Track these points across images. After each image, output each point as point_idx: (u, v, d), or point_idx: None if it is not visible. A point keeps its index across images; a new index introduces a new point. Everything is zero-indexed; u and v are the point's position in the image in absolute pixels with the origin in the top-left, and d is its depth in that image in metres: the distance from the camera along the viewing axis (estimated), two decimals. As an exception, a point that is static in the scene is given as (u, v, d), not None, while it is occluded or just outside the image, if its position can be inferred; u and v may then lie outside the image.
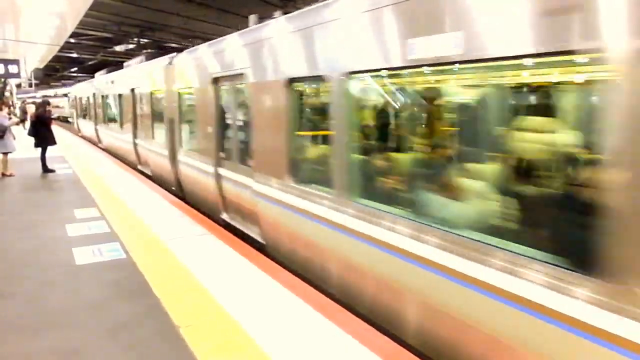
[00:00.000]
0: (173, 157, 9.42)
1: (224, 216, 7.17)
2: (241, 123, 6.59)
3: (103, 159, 14.52)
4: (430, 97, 4.85)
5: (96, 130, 19.26)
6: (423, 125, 4.88)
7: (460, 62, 3.25)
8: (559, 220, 3.18)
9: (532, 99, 4.42)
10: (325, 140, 4.96)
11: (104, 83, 17.53)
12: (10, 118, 12.41)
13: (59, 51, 25.08)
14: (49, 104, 13.38)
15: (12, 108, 25.51)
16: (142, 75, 12.02)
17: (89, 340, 3.65)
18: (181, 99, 8.99)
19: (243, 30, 6.48)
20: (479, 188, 3.81)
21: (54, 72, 42.84)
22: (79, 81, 34.18)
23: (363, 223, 4.13)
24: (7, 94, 31.69)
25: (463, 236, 3.24)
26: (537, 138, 3.72)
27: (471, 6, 3.09)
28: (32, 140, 12.13)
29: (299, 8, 5.48)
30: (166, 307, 4.17)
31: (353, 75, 4.22)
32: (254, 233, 6.22)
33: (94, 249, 5.83)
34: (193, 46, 9.12)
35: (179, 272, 5.01)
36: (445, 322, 3.38)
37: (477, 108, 4.58)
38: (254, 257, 5.44)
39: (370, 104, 5.32)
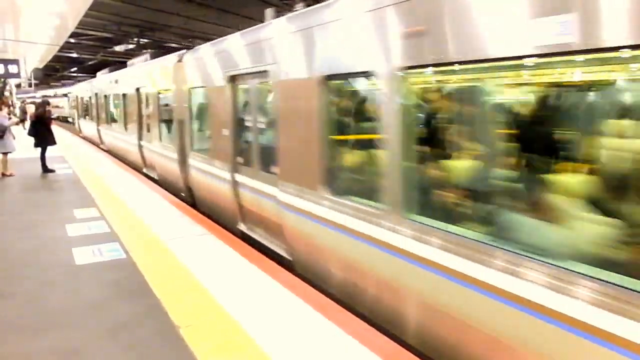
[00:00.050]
0: (183, 161, 8.82)
1: (241, 227, 6.63)
2: (263, 126, 6.00)
3: (103, 159, 14.51)
4: (512, 95, 4.17)
5: (98, 131, 18.78)
6: (501, 129, 3.83)
7: (573, 53, 2.59)
8: None
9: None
10: (370, 145, 4.40)
11: (106, 82, 16.96)
12: (10, 118, 12.41)
13: (59, 51, 25.06)
14: (48, 104, 13.40)
15: (11, 108, 25.50)
16: (148, 74, 11.44)
17: (89, 340, 3.65)
18: (192, 98, 8.42)
19: (265, 23, 5.87)
20: (578, 207, 3.14)
21: (54, 72, 42.85)
22: (79, 81, 34.18)
23: (426, 247, 3.45)
24: (6, 93, 31.68)
25: (576, 272, 2.58)
26: None
27: None
28: (31, 140, 12.13)
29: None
30: (166, 307, 4.17)
31: (411, 70, 3.60)
32: (277, 247, 5.64)
33: (93, 249, 5.83)
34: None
35: (179, 272, 5.01)
36: None
37: (577, 108, 3.88)
38: (254, 257, 5.44)
39: (435, 103, 4.47)
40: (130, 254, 5.62)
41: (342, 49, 4.31)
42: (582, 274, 2.55)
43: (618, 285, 2.39)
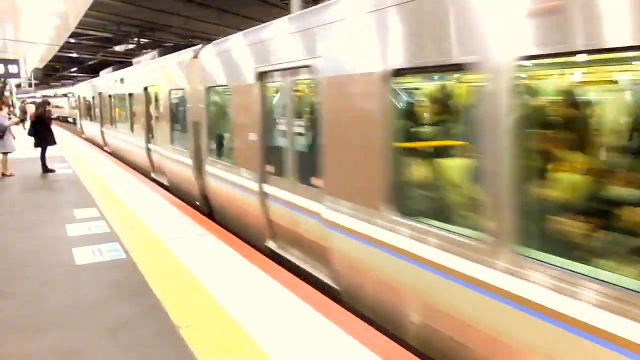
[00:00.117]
0: (198, 168, 7.98)
1: (271, 244, 5.86)
2: (302, 130, 5.17)
3: (103, 159, 14.51)
4: None
5: (102, 132, 18.07)
6: None
7: None
8: None
9: None
10: (453, 155, 3.77)
11: (111, 81, 16.00)
12: (10, 118, 12.41)
13: (59, 51, 25.11)
14: (48, 104, 13.39)
15: (11, 108, 25.51)
16: (157, 72, 10.56)
17: (89, 340, 3.65)
18: (210, 98, 7.58)
19: (305, 11, 5.17)
20: None
21: (54, 72, 42.87)
22: (79, 81, 34.14)
23: (565, 299, 2.57)
24: (6, 93, 31.70)
25: None
26: None
27: None
28: (31, 140, 12.13)
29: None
30: (166, 307, 4.17)
31: (540, 60, 2.79)
32: (320, 273, 4.88)
33: (93, 249, 5.83)
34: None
35: (179, 272, 5.01)
36: None
37: None
38: (254, 257, 5.44)
39: (571, 104, 3.30)
40: (130, 254, 5.62)
41: (417, 38, 3.46)
42: None
43: None
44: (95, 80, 20.45)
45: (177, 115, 9.41)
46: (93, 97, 19.89)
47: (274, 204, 5.66)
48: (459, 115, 3.92)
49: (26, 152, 13.33)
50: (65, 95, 46.08)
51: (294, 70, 5.10)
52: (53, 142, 12.21)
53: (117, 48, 26.10)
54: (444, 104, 4.12)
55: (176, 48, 10.18)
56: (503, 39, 2.84)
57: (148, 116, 11.42)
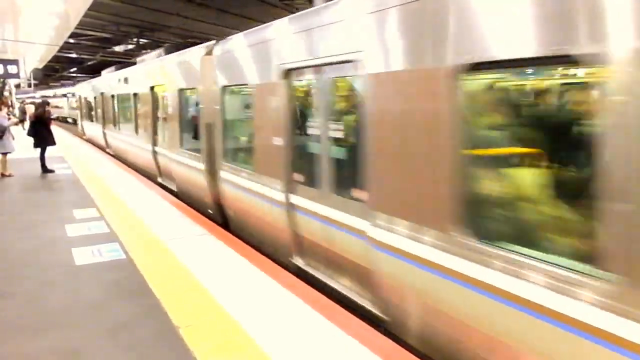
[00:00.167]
0: (212, 173, 7.44)
1: (298, 261, 5.30)
2: (339, 134, 4.55)
3: (102, 160, 14.50)
4: None
5: (104, 134, 17.52)
6: None
7: None
8: None
9: None
10: (552, 167, 3.18)
11: (114, 81, 15.31)
12: (9, 118, 12.41)
13: (58, 51, 25.13)
14: (48, 104, 13.41)
15: (11, 108, 25.51)
16: (165, 71, 9.90)
17: (89, 340, 3.65)
18: (226, 98, 6.99)
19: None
20: None
21: (53, 72, 42.87)
22: (78, 81, 34.11)
23: None
24: (6, 94, 31.70)
25: None
26: None
27: None
28: (31, 140, 12.14)
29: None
30: (166, 307, 4.17)
31: None
32: (362, 298, 4.31)
33: (93, 249, 5.83)
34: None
35: (178, 272, 5.01)
36: None
37: None
38: (254, 257, 5.44)
39: None
40: (130, 254, 5.62)
41: (505, 24, 2.79)
42: None
43: None
44: (97, 80, 19.89)
45: (187, 117, 8.85)
46: (95, 97, 19.43)
47: (303, 216, 5.07)
48: (565, 117, 3.22)
49: (25, 152, 13.33)
50: (64, 95, 46.09)
51: (332, 66, 4.50)
52: (52, 143, 12.21)
53: (117, 48, 26.13)
54: (539, 104, 3.46)
55: (183, 46, 9.70)
56: None
57: (154, 117, 10.86)
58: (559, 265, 2.60)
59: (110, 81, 16.43)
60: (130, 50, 25.50)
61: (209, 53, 7.41)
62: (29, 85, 36.74)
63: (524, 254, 2.80)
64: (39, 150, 12.00)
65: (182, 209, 7.85)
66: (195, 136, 8.16)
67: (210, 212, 7.62)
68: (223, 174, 6.99)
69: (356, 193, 4.24)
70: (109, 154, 16.49)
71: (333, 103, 4.69)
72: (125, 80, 13.78)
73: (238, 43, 6.49)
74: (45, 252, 5.79)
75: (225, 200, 7.08)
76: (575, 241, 2.78)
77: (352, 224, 4.28)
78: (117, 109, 15.31)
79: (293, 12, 10.68)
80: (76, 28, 17.88)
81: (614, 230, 2.32)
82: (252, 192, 6.03)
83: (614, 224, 2.32)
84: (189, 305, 4.22)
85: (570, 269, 2.54)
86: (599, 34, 2.31)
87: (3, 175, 11.41)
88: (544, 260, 2.67)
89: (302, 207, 5.08)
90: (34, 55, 26.00)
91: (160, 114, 10.49)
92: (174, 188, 9.47)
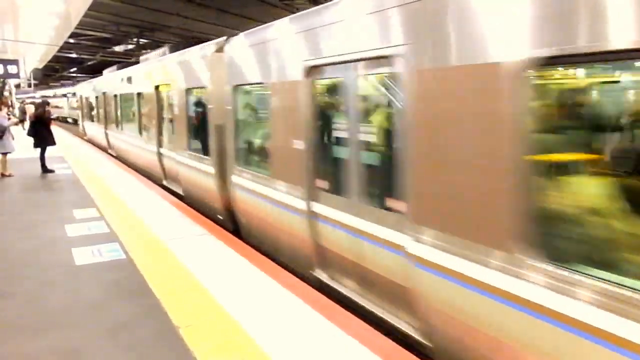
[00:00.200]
0: (222, 177, 7.11)
1: (321, 274, 4.90)
2: (372, 138, 4.19)
3: (102, 160, 14.50)
4: None
5: (106, 134, 17.20)
6: None
7: None
8: None
9: None
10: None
11: (117, 80, 14.89)
12: (9, 118, 12.41)
13: (58, 51, 25.14)
14: (48, 104, 13.41)
15: (11, 108, 25.51)
16: (171, 69, 9.47)
17: (89, 340, 3.65)
18: (238, 98, 6.64)
19: None
20: None
21: (53, 72, 42.90)
22: (78, 81, 34.12)
23: None
24: (6, 94, 31.71)
25: None
26: None
27: None
28: (31, 140, 12.14)
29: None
30: (166, 307, 4.17)
31: None
32: (399, 320, 3.92)
33: (93, 249, 5.82)
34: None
35: (179, 272, 5.01)
36: None
37: None
38: (254, 257, 5.44)
39: None
40: (130, 254, 5.62)
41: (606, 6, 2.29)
42: None
43: None
44: (99, 79, 19.50)
45: (195, 117, 8.42)
46: (97, 97, 18.97)
47: (328, 227, 4.69)
48: None
49: (25, 152, 13.33)
50: (64, 95, 46.11)
51: (364, 62, 4.08)
52: (52, 143, 12.21)
53: (117, 48, 26.16)
54: (626, 104, 3.00)
55: (187, 45, 9.48)
56: None
57: (160, 118, 10.45)
58: None
59: (112, 80, 16.04)
60: (130, 50, 25.53)
61: (220, 50, 7.06)
62: (29, 85, 36.75)
63: (611, 281, 2.38)
64: (38, 150, 12.00)
65: (182, 209, 7.85)
66: (204, 138, 7.80)
67: (220, 217, 7.32)
68: (235, 179, 6.63)
69: (392, 203, 3.83)
70: (111, 155, 16.33)
71: (365, 103, 4.29)
72: (129, 79, 13.41)
73: (253, 39, 6.07)
74: (45, 252, 5.79)
75: (237, 206, 6.72)
76: None
77: (388, 237, 3.85)
78: (120, 109, 14.99)
79: (293, 12, 10.67)
80: (76, 28, 17.89)
81: None
82: (269, 198, 5.64)
83: None
84: (189, 305, 4.22)
85: None
86: None
87: (3, 175, 11.41)
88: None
89: (326, 216, 4.68)
90: (34, 55, 26.02)
91: (165, 114, 10.16)
92: (180, 191, 9.18)
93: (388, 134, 4.00)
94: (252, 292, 4.47)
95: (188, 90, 8.44)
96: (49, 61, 30.74)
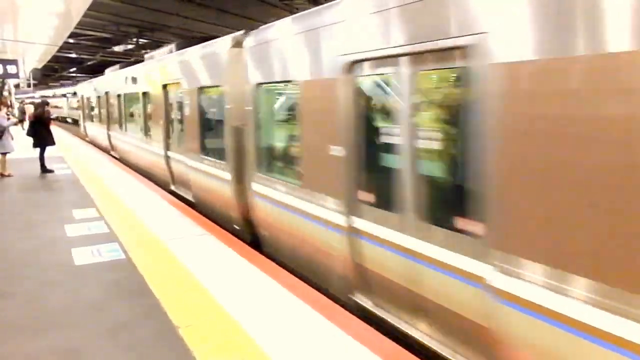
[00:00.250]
0: (239, 184, 6.52)
1: (362, 300, 4.35)
2: (435, 145, 3.54)
3: (102, 160, 14.49)
4: None
5: (108, 136, 16.61)
6: None
7: None
8: None
9: None
10: None
11: (121, 80, 14.19)
12: (9, 118, 12.40)
13: (58, 51, 25.10)
14: (47, 104, 13.40)
15: (10, 108, 25.50)
16: (180, 67, 8.79)
17: (89, 340, 3.65)
18: (261, 98, 6.02)
19: None
20: None
21: (53, 72, 42.91)
22: (78, 81, 34.10)
23: None
24: (5, 94, 31.70)
25: None
26: None
27: None
28: (30, 140, 12.14)
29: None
30: (166, 307, 4.17)
31: None
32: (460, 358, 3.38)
33: (93, 249, 5.82)
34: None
35: (178, 272, 5.01)
36: None
37: None
38: (254, 257, 5.44)
39: None
40: (129, 254, 5.62)
41: None
42: None
43: None
44: (101, 79, 18.84)
45: (209, 118, 7.79)
46: (99, 97, 18.20)
47: (372, 246, 4.10)
48: None
49: (25, 152, 13.33)
50: (64, 95, 46.10)
51: (427, 55, 3.43)
52: (52, 143, 12.22)
53: (117, 48, 26.17)
54: None
55: (193, 42, 8.86)
56: None
57: (167, 118, 9.79)
58: None
59: (116, 80, 15.22)
60: (130, 50, 25.53)
61: (238, 45, 6.42)
62: (29, 85, 36.80)
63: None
64: (38, 150, 12.00)
65: (182, 209, 7.85)
66: (219, 141, 7.13)
67: (237, 228, 6.71)
68: (256, 187, 6.01)
69: (464, 224, 3.22)
70: (113, 157, 15.87)
71: (425, 104, 3.66)
72: (133, 78, 12.68)
73: (279, 32, 5.42)
74: (45, 252, 5.79)
75: (258, 217, 6.10)
76: None
77: (459, 265, 3.25)
78: (124, 109, 14.30)
79: (293, 12, 10.66)
80: (76, 28, 17.86)
81: None
82: (297, 210, 5.06)
83: None
84: (189, 305, 4.22)
85: None
86: None
87: (2, 175, 11.41)
88: None
89: (371, 234, 4.09)
90: (34, 55, 25.97)
91: (174, 115, 9.44)
92: (189, 197, 8.54)
93: (457, 141, 3.42)
94: (252, 292, 4.47)
95: (200, 89, 7.79)
96: (49, 61, 30.69)
